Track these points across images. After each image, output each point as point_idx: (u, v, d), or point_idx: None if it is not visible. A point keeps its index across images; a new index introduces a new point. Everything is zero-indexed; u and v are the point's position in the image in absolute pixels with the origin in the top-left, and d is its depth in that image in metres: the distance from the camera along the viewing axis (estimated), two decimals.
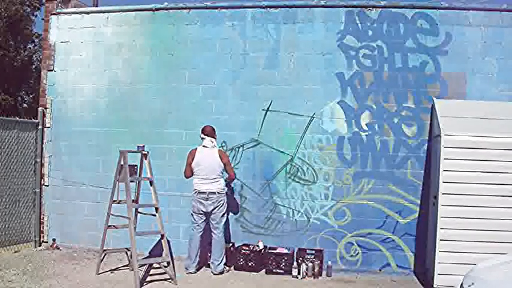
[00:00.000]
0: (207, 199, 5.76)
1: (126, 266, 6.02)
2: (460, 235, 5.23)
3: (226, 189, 5.99)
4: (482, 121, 5.53)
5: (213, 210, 5.78)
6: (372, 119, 6.26)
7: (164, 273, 5.71)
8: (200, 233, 5.89)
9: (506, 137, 5.26)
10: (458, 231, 5.24)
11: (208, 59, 6.61)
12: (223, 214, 5.90)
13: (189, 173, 5.90)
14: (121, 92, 6.87)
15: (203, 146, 5.85)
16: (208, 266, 6.03)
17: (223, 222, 5.92)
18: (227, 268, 5.99)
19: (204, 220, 5.88)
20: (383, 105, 6.24)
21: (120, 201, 5.80)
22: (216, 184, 5.80)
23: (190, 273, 5.84)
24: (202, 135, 5.90)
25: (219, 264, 5.84)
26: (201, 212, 5.82)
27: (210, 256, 5.96)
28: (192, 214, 5.92)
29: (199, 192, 5.78)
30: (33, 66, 17.06)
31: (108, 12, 7.00)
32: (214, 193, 5.76)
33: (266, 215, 6.42)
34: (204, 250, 6.00)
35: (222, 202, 5.84)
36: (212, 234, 5.89)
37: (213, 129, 5.97)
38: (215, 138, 5.95)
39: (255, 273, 5.98)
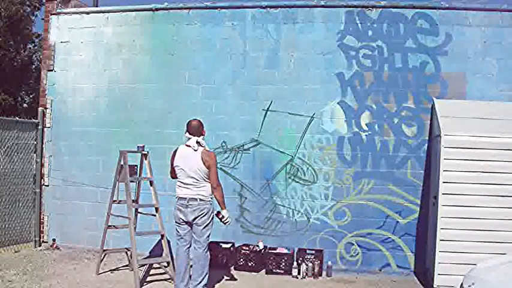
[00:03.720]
0: (187, 206, 4.86)
1: (126, 266, 6.01)
2: (460, 235, 5.23)
3: (209, 197, 4.96)
4: (482, 121, 5.53)
5: (194, 220, 4.86)
6: (372, 119, 6.26)
7: (164, 273, 5.71)
8: (186, 247, 4.99)
9: (506, 137, 5.26)
10: (458, 231, 5.24)
11: (208, 59, 6.61)
12: (207, 226, 4.90)
13: (174, 174, 5.08)
14: (121, 92, 6.87)
15: (186, 145, 4.97)
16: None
17: (205, 236, 4.91)
18: None
19: (189, 231, 4.96)
20: (383, 105, 6.24)
21: (120, 201, 5.79)
22: (198, 189, 4.86)
23: None
24: (187, 135, 4.98)
25: (197, 285, 4.83)
26: (183, 222, 4.93)
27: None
28: (175, 225, 5.05)
29: (179, 198, 4.93)
30: (33, 66, 17.07)
31: (108, 12, 7.00)
32: (195, 199, 4.84)
33: (266, 215, 6.42)
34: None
35: (204, 211, 4.85)
36: (193, 248, 4.96)
37: (201, 124, 5.03)
38: (203, 135, 5.03)
39: (255, 273, 5.98)
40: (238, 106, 6.50)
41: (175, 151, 5.03)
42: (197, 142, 4.92)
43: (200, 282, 4.85)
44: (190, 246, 5.02)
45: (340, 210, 6.26)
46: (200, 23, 6.67)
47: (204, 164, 4.85)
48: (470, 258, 4.99)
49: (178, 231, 5.01)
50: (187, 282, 4.96)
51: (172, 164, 5.05)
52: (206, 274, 4.91)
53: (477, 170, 5.25)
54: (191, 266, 5.02)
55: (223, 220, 5.02)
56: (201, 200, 4.86)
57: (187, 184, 4.90)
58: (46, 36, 7.25)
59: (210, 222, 4.93)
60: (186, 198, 4.88)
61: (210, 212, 4.93)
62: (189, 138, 4.95)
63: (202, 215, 4.86)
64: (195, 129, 4.97)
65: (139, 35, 6.86)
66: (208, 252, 4.98)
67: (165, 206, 6.21)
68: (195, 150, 4.88)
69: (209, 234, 4.96)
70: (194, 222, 4.88)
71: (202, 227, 4.88)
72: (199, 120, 5.06)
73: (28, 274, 5.59)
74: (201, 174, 4.86)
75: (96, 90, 6.96)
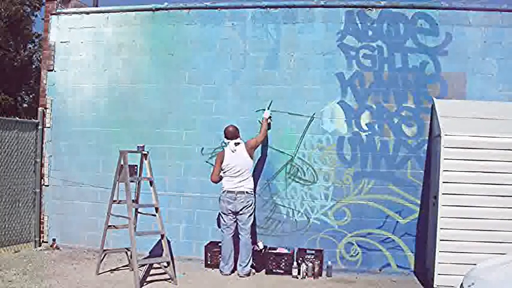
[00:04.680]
0: (235, 199, 5.73)
1: (126, 266, 6.02)
2: (460, 235, 5.23)
3: (253, 189, 5.93)
4: (482, 121, 5.53)
5: (241, 210, 5.75)
6: (372, 119, 6.26)
7: (164, 273, 5.71)
8: (231, 235, 5.85)
9: (506, 137, 5.26)
10: (458, 231, 5.23)
11: (208, 59, 6.61)
12: (251, 215, 5.85)
13: (217, 177, 5.86)
14: (121, 92, 6.87)
15: (230, 149, 5.82)
16: (210, 266, 6.10)
17: (250, 223, 5.86)
18: (253, 271, 5.93)
19: (234, 221, 5.84)
20: (383, 105, 6.24)
21: (120, 201, 5.80)
22: (245, 183, 5.78)
23: (226, 274, 5.83)
24: (226, 140, 5.89)
25: (245, 266, 5.80)
26: (230, 212, 5.79)
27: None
28: (220, 215, 5.92)
29: (228, 192, 5.76)
30: (33, 66, 17.07)
31: (108, 12, 6.99)
32: (243, 193, 5.75)
33: (266, 215, 6.41)
34: (236, 251, 5.97)
35: (250, 202, 5.80)
36: (239, 235, 5.87)
37: (236, 129, 5.90)
38: (239, 137, 5.90)
39: (255, 274, 5.98)
40: (238, 106, 6.50)
41: (222, 154, 5.85)
42: (235, 144, 5.83)
43: (247, 264, 5.81)
44: (234, 234, 5.86)
45: (340, 210, 6.26)
46: (200, 23, 6.66)
47: (249, 154, 5.83)
48: (470, 258, 4.99)
49: (225, 221, 5.86)
50: (231, 265, 5.86)
51: (219, 165, 5.83)
52: (251, 257, 5.85)
53: (477, 170, 5.25)
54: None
55: (267, 119, 6.20)
56: (247, 192, 5.78)
57: (236, 177, 5.76)
58: (46, 36, 7.24)
59: (253, 211, 5.90)
60: (234, 191, 5.75)
61: (253, 203, 5.88)
62: (228, 143, 5.86)
63: (248, 206, 5.79)
64: (232, 134, 5.87)
65: (139, 35, 6.86)
66: (251, 238, 5.93)
67: (165, 206, 6.22)
68: (233, 151, 5.78)
69: (252, 221, 5.92)
70: (241, 212, 5.77)
71: (247, 215, 5.82)
72: (234, 126, 5.92)
73: (28, 274, 5.60)
74: (250, 168, 5.86)
75: (96, 90, 6.96)
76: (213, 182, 5.92)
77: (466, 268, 4.35)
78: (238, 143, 5.86)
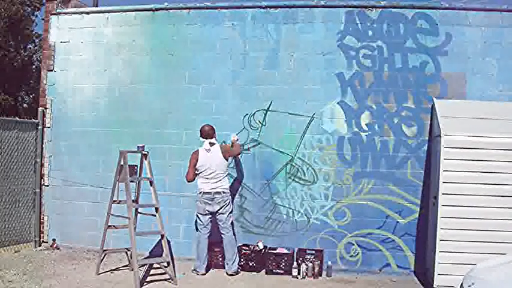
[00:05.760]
0: (212, 199, 5.75)
1: (126, 266, 6.02)
2: (460, 235, 5.23)
3: (229, 188, 5.92)
4: (482, 121, 5.53)
5: (218, 210, 5.77)
6: (372, 119, 6.26)
7: (164, 273, 5.71)
8: (208, 234, 5.87)
9: (506, 137, 5.26)
10: (458, 231, 5.24)
11: (208, 59, 6.61)
12: (230, 213, 5.89)
13: (192, 176, 5.80)
14: (121, 92, 6.87)
15: (204, 148, 5.81)
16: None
17: (230, 221, 5.91)
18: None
19: (211, 221, 5.86)
20: (383, 105, 6.24)
21: (120, 201, 5.80)
22: (221, 183, 5.79)
23: (203, 274, 5.84)
24: (201, 139, 5.88)
25: (233, 264, 5.85)
26: (207, 213, 5.81)
27: (221, 257, 6.02)
28: (197, 216, 5.89)
29: (205, 193, 5.76)
30: (33, 66, 17.07)
31: (108, 12, 7.00)
32: (219, 193, 5.76)
33: (266, 215, 6.42)
34: (210, 250, 6.03)
35: (227, 201, 5.84)
36: (222, 235, 5.88)
37: (212, 128, 5.90)
38: (215, 137, 5.89)
39: (255, 274, 5.98)
40: (238, 106, 6.50)
41: (197, 153, 5.80)
42: (210, 143, 5.81)
43: (234, 261, 5.87)
44: (211, 234, 5.90)
45: (340, 210, 6.26)
46: (200, 23, 6.67)
47: (224, 157, 5.80)
48: (470, 258, 4.99)
49: (202, 221, 5.85)
50: (207, 264, 5.91)
51: (194, 165, 5.77)
52: (236, 254, 5.92)
53: (477, 170, 5.25)
54: (211, 250, 5.97)
55: (236, 141, 6.05)
56: (224, 192, 5.80)
57: (211, 179, 5.75)
58: (46, 36, 7.25)
59: (231, 209, 5.95)
60: (211, 192, 5.75)
61: (230, 201, 5.91)
62: (203, 142, 5.83)
63: (226, 205, 5.82)
64: (206, 133, 5.86)
65: (140, 35, 6.86)
66: (234, 235, 6.00)
67: (165, 206, 6.22)
68: (207, 150, 5.77)
69: (232, 220, 6.00)
70: (220, 212, 5.80)
71: (226, 214, 5.85)
72: (210, 126, 5.91)
73: (28, 274, 5.60)
74: (223, 167, 5.82)
75: (96, 90, 6.96)
76: (188, 181, 5.87)
77: (466, 268, 4.35)
78: (213, 144, 5.84)
